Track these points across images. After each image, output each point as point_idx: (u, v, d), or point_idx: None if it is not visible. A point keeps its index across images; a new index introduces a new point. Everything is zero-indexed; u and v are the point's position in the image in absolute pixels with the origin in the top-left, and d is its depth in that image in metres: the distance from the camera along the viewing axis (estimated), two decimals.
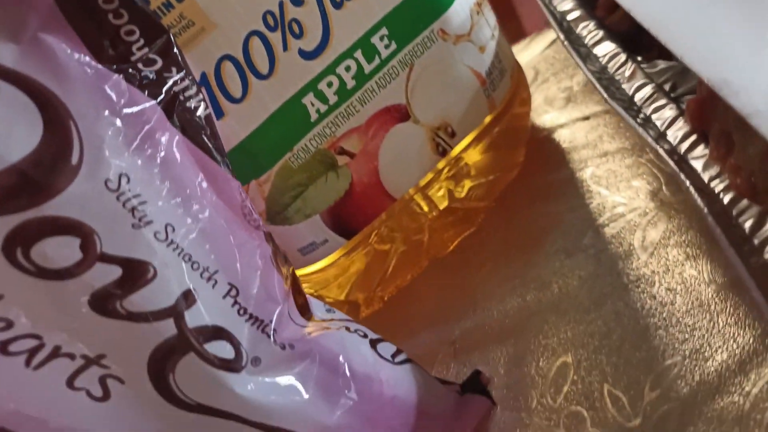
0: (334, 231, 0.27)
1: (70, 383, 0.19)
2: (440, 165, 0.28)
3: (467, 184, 0.29)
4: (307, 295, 0.24)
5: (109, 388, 0.20)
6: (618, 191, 0.28)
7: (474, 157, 0.29)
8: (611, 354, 0.24)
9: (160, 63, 0.21)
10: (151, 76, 0.21)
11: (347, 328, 0.24)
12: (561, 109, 0.31)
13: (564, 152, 0.30)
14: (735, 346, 0.21)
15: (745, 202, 0.19)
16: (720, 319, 0.22)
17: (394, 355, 0.24)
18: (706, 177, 0.22)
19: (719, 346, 0.21)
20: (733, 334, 0.21)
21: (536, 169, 0.30)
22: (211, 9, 0.22)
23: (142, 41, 0.21)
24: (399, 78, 0.26)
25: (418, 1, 0.25)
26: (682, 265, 0.24)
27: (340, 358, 0.22)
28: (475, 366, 0.26)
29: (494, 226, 0.30)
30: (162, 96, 0.21)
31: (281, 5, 0.23)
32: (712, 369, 0.21)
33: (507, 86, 0.28)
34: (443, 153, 0.28)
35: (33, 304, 0.19)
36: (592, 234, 0.27)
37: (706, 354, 0.22)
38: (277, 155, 0.25)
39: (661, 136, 0.24)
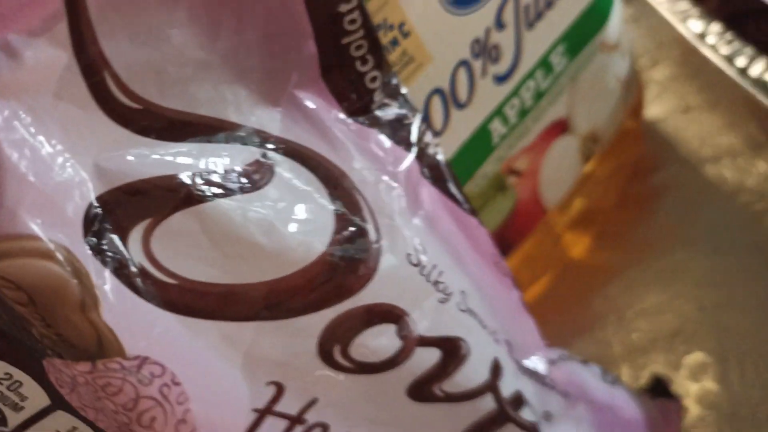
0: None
1: None
2: (584, 171, 0.28)
3: (594, 186, 0.30)
4: None
5: None
6: (744, 183, 0.29)
7: (602, 158, 0.29)
8: None
9: (396, 108, 0.19)
10: (395, 124, 0.19)
11: (563, 355, 0.24)
12: (654, 101, 0.32)
13: (674, 146, 0.31)
14: None
15: None
16: None
17: (604, 376, 0.24)
18: None
19: None
20: None
21: (651, 166, 0.31)
22: (430, 42, 0.20)
23: (381, 86, 0.19)
24: (565, 92, 0.25)
25: (588, 15, 0.24)
26: None
27: (591, 393, 0.22)
28: (650, 369, 0.27)
29: (622, 226, 0.30)
30: (413, 146, 0.19)
31: (487, 31, 0.21)
32: None
33: (636, 88, 0.29)
34: (587, 159, 0.28)
35: (347, 402, 0.17)
36: (743, 227, 0.28)
37: None
38: (462, 184, 0.24)
39: None
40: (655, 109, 0.32)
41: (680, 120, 0.32)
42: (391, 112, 0.19)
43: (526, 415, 0.19)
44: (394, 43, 0.19)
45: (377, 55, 0.18)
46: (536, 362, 0.20)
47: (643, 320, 0.28)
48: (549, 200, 0.27)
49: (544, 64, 0.24)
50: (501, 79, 0.23)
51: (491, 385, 0.18)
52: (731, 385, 0.26)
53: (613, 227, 0.30)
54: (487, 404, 0.18)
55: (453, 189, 0.20)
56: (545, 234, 0.29)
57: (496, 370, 0.18)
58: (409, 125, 0.19)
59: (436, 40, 0.20)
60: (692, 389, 0.26)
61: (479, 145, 0.24)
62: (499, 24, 0.22)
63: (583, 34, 0.25)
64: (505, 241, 0.27)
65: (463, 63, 0.21)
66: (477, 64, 0.22)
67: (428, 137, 0.20)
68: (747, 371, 0.26)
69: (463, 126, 0.23)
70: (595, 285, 0.30)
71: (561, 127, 0.26)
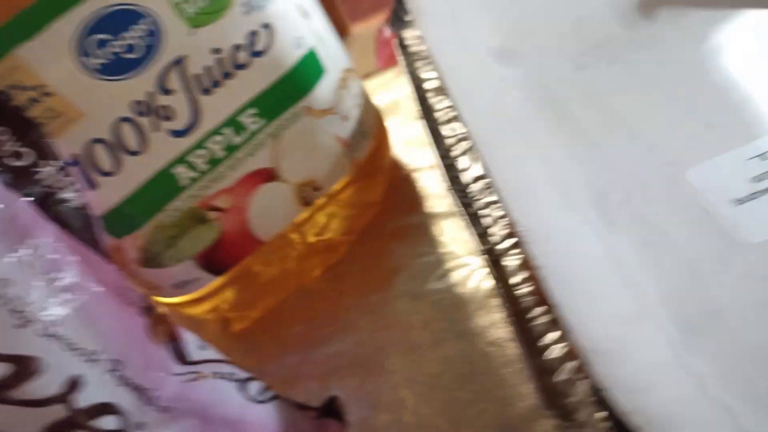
0: (205, 270, 0.30)
1: None
2: (305, 214, 0.31)
3: (333, 220, 0.32)
4: (183, 332, 0.27)
5: None
6: (457, 245, 0.31)
7: (338, 200, 0.32)
8: (442, 391, 0.29)
9: (30, 157, 0.23)
10: (21, 171, 0.23)
11: (218, 374, 0.27)
12: (421, 150, 0.34)
13: (418, 197, 0.33)
14: (536, 396, 0.26)
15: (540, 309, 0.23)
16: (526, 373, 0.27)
17: (261, 393, 0.27)
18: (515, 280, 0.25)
19: (524, 395, 0.26)
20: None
21: (394, 210, 0.33)
22: (79, 101, 0.23)
23: (9, 136, 0.22)
24: (267, 147, 0.28)
25: (284, 85, 0.27)
26: (499, 324, 0.29)
27: (214, 409, 0.25)
28: (334, 389, 0.30)
29: (355, 260, 0.33)
30: (35, 191, 0.22)
31: (150, 95, 0.24)
32: (518, 413, 0.26)
33: (369, 145, 0.31)
34: (309, 203, 0.31)
35: None
36: (434, 281, 0.31)
37: (514, 400, 0.27)
38: (149, 215, 0.27)
39: (483, 233, 0.27)
40: (419, 158, 0.35)
41: (431, 174, 0.34)
42: (24, 160, 0.22)
43: (108, 424, 0.23)
44: (35, 100, 0.22)
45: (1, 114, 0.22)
46: (144, 379, 0.24)
47: (344, 345, 0.31)
48: (263, 233, 0.30)
49: (233, 123, 0.27)
50: (179, 133, 0.26)
51: (63, 398, 0.22)
52: (400, 418, 0.29)
53: (348, 260, 0.33)
54: (57, 412, 0.22)
55: (83, 230, 0.23)
56: (284, 258, 0.32)
57: (73, 385, 0.22)
58: (36, 172, 0.23)
59: (86, 100, 0.23)
60: (363, 416, 0.30)
61: (164, 185, 0.27)
62: (164, 90, 0.24)
63: (279, 100, 0.27)
64: (217, 263, 0.30)
65: (126, 119, 0.24)
66: (144, 121, 0.25)
67: (64, 183, 0.23)
68: (420, 408, 0.29)
69: (140, 169, 0.26)
70: (319, 308, 0.33)
71: (266, 175, 0.29)
